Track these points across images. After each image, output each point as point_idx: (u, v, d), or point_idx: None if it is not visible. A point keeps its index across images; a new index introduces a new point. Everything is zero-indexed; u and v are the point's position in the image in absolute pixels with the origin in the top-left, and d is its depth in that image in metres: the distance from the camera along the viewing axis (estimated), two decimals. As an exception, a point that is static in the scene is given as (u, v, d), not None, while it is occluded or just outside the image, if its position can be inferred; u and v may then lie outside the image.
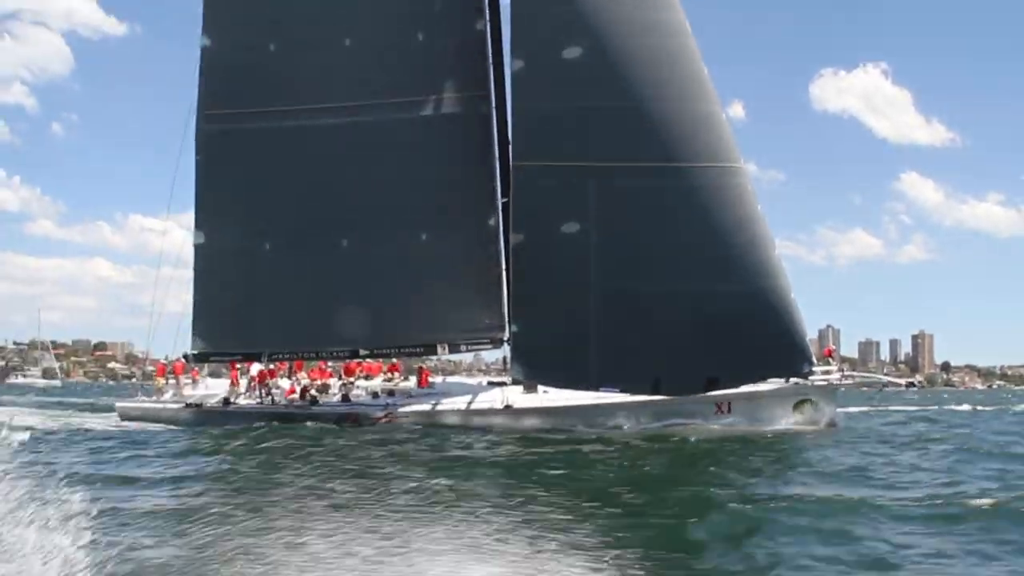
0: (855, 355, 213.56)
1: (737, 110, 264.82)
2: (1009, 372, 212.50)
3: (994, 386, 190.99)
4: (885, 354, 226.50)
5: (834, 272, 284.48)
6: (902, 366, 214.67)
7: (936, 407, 41.37)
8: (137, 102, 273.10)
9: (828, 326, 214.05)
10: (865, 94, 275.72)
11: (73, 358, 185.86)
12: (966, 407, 43.92)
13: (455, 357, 31.87)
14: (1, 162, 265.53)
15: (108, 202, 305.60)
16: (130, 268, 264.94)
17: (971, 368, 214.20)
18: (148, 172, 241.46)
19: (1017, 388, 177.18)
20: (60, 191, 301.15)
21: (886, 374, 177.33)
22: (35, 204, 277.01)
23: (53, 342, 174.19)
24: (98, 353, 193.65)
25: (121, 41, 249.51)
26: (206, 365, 29.40)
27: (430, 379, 28.23)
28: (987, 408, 42.69)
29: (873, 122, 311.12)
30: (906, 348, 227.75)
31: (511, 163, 25.05)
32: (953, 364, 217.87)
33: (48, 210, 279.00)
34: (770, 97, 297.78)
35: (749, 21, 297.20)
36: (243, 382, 28.86)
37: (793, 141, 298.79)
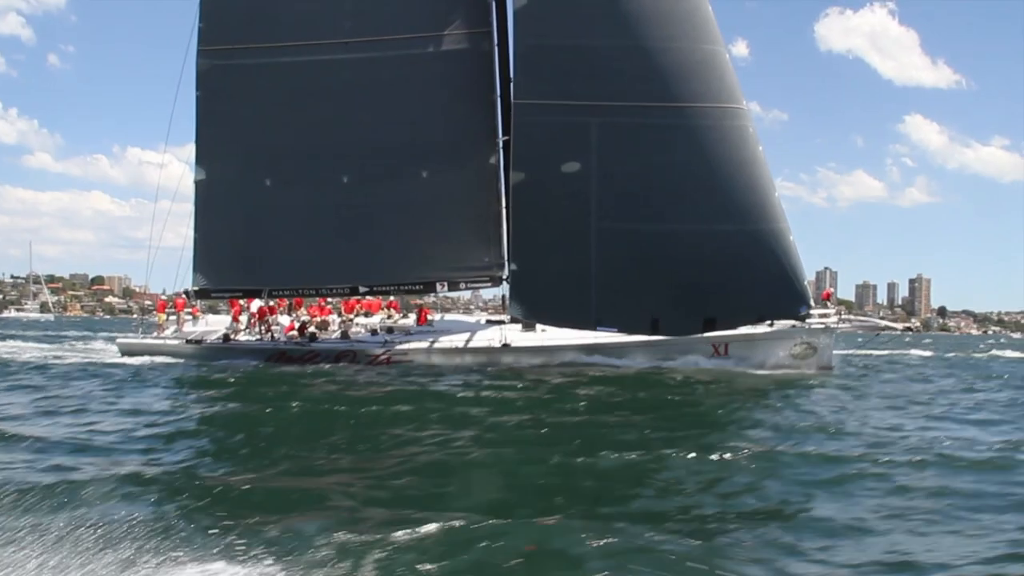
0: (852, 298, 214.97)
1: (741, 48, 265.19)
2: (1006, 318, 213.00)
3: (989, 332, 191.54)
4: (883, 297, 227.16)
5: (835, 214, 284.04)
6: (899, 310, 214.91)
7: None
8: (135, 34, 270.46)
9: (826, 268, 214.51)
10: (871, 34, 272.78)
11: (70, 292, 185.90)
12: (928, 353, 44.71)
13: (454, 294, 32.01)
14: None
15: (106, 135, 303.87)
16: (128, 201, 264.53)
17: (968, 313, 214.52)
18: (146, 105, 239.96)
19: (1014, 335, 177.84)
20: (58, 124, 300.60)
21: (882, 317, 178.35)
22: (32, 137, 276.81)
23: (50, 276, 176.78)
24: (95, 287, 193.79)
25: None
26: (206, 301, 29.49)
27: (429, 317, 28.35)
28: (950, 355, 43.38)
29: (878, 63, 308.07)
30: (903, 292, 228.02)
31: (512, 101, 24.92)
32: (950, 309, 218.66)
33: (46, 143, 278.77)
34: (775, 36, 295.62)
35: None
36: (244, 318, 28.99)
37: (797, 81, 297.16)
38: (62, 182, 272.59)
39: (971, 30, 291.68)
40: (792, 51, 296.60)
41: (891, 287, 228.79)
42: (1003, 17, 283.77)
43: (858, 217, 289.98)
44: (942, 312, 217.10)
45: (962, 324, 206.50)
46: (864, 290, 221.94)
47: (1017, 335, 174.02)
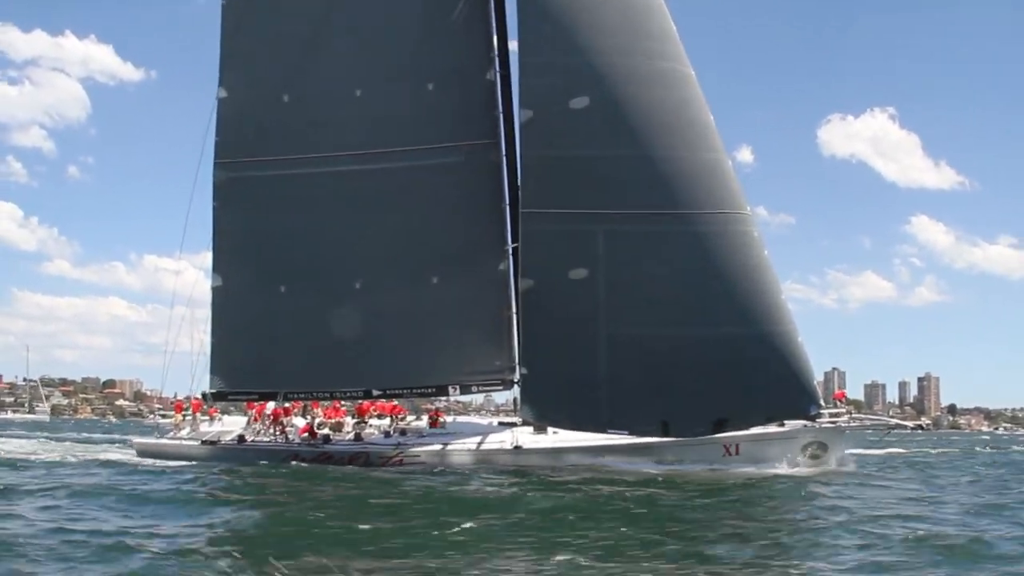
0: (861, 397, 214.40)
1: (746, 155, 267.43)
2: (1020, 415, 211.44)
3: (999, 429, 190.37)
4: (893, 396, 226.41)
5: (846, 315, 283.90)
6: (908, 408, 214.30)
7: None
8: (152, 146, 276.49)
9: (834, 369, 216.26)
10: (873, 138, 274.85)
11: (82, 395, 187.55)
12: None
13: (466, 398, 32.29)
14: (19, 203, 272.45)
15: (123, 243, 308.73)
16: (144, 307, 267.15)
17: (980, 410, 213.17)
18: (162, 214, 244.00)
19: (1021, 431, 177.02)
20: (76, 232, 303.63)
21: (891, 416, 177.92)
22: (52, 244, 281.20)
23: (63, 379, 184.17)
24: (107, 390, 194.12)
25: (137, 87, 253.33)
26: (222, 403, 29.92)
27: (441, 419, 28.60)
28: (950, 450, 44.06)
29: (882, 166, 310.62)
30: (913, 391, 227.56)
31: (520, 210, 25.52)
32: (962, 407, 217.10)
33: (64, 250, 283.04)
34: (779, 142, 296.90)
35: (759, 67, 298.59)
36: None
37: (802, 186, 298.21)
38: (79, 288, 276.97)
39: (971, 132, 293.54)
40: (796, 156, 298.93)
41: (902, 386, 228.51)
42: (1002, 119, 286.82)
43: (869, 317, 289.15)
44: (952, 410, 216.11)
45: (972, 421, 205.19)
46: (873, 389, 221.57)
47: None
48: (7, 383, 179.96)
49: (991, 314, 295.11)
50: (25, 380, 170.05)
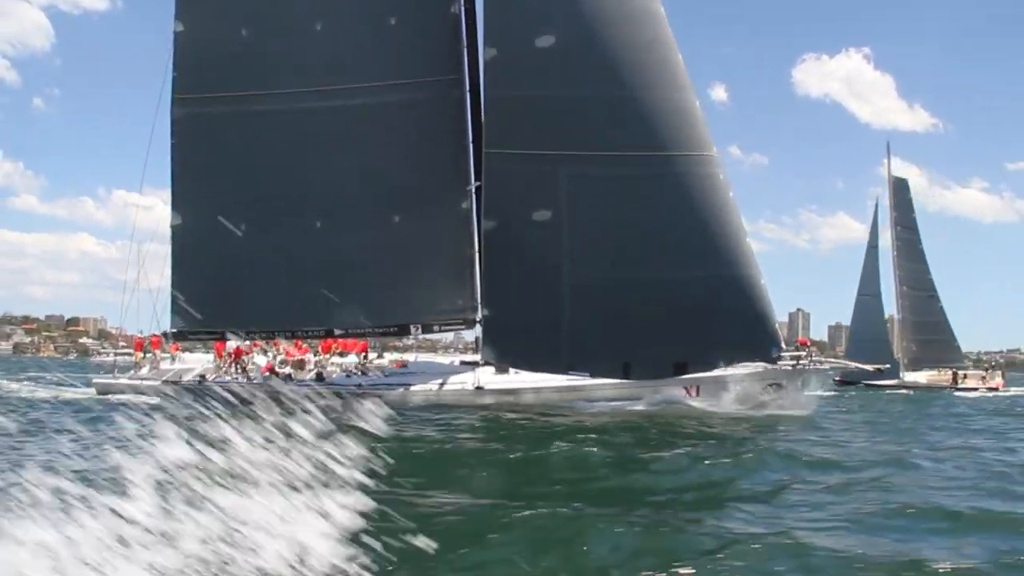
0: (825, 339, 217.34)
1: (720, 93, 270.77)
2: (984, 358, 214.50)
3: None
4: None
5: (818, 256, 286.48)
6: None
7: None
8: (119, 78, 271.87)
9: (799, 310, 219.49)
10: (847, 79, 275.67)
11: (44, 333, 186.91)
12: None
13: (434, 336, 32.21)
14: None
15: (92, 177, 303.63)
16: (114, 244, 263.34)
17: None
18: (131, 148, 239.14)
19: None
20: (43, 166, 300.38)
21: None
22: (18, 178, 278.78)
23: (25, 317, 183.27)
24: (71, 328, 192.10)
25: (102, 16, 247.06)
26: (183, 343, 29.67)
27: (404, 357, 28.56)
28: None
29: (856, 107, 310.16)
30: None
31: (483, 150, 25.17)
32: None
33: (31, 184, 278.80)
34: (753, 81, 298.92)
35: (733, 4, 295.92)
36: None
37: (776, 125, 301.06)
38: (48, 224, 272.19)
39: (945, 75, 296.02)
40: (770, 96, 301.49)
41: None
42: (976, 60, 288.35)
43: (841, 258, 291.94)
44: None
45: None
46: (836, 331, 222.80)
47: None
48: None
49: (962, 257, 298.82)
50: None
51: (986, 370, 48.92)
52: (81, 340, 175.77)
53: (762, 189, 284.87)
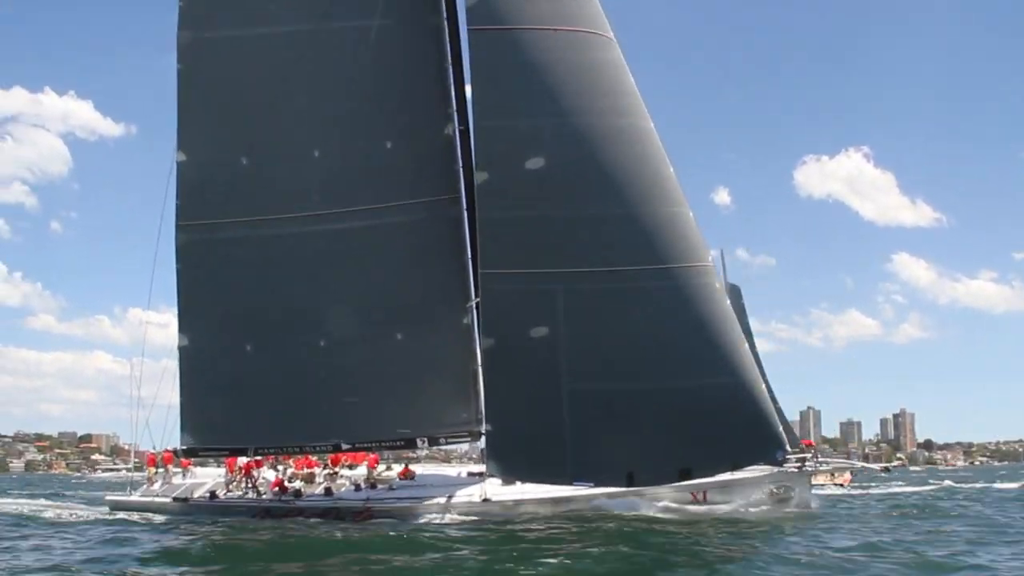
0: (837, 435, 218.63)
1: (723, 197, 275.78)
2: (1003, 447, 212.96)
3: (976, 463, 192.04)
4: (871, 434, 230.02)
5: (831, 353, 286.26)
6: (884, 446, 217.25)
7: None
8: (134, 200, 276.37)
9: (809, 408, 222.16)
10: (849, 178, 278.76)
11: (57, 450, 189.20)
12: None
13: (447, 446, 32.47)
14: (3, 259, 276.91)
15: (108, 297, 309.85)
16: (130, 360, 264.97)
17: (959, 445, 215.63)
18: (146, 268, 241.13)
19: (998, 464, 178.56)
20: (60, 286, 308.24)
21: (866, 455, 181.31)
22: (36, 299, 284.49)
23: (39, 434, 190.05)
24: (83, 445, 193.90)
25: (117, 141, 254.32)
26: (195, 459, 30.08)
27: (411, 469, 28.71)
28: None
29: (859, 205, 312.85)
30: (886, 428, 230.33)
31: (479, 271, 25.60)
32: (944, 442, 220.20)
33: (49, 305, 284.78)
34: (756, 184, 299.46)
35: (732, 110, 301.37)
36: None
37: (781, 226, 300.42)
38: (65, 343, 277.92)
39: (945, 169, 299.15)
40: (773, 198, 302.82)
41: (883, 423, 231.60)
42: (975, 154, 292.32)
43: (854, 356, 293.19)
44: (927, 446, 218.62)
45: (949, 457, 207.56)
46: (848, 427, 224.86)
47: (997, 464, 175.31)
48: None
49: (974, 349, 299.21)
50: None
51: (832, 473, 48.31)
52: (94, 457, 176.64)
53: (772, 290, 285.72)
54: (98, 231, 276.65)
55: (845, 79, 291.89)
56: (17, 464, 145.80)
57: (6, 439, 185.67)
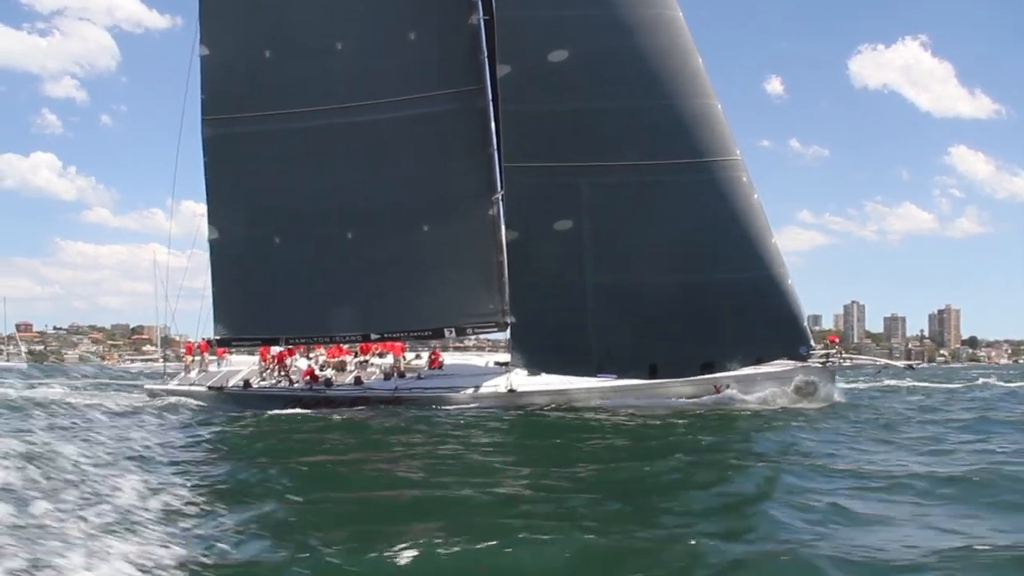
0: (881, 330, 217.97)
1: (776, 86, 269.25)
2: None
3: (1021, 360, 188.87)
4: (916, 329, 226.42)
5: (886, 247, 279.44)
6: (927, 342, 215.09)
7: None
8: (182, 92, 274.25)
9: (853, 302, 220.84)
10: (905, 68, 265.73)
11: (110, 341, 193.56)
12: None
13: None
14: (57, 153, 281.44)
15: (161, 189, 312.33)
16: (184, 253, 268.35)
17: (1010, 343, 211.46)
18: (196, 160, 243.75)
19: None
20: (114, 180, 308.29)
21: (908, 352, 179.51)
22: (90, 193, 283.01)
23: (92, 326, 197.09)
24: (135, 337, 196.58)
25: (163, 34, 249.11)
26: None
27: (440, 359, 29.18)
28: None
29: (915, 96, 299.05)
30: (934, 324, 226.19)
31: (502, 164, 25.48)
32: (991, 339, 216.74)
33: (103, 198, 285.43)
34: (809, 74, 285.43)
35: None
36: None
37: (835, 117, 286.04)
38: (121, 236, 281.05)
39: (1005, 59, 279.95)
40: (827, 88, 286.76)
41: (931, 318, 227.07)
42: None
43: (908, 250, 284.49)
44: (972, 342, 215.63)
45: (992, 354, 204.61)
46: (892, 322, 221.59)
47: None
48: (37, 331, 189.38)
49: None
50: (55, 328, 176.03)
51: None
52: (144, 348, 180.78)
53: (825, 181, 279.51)
54: (148, 123, 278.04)
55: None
56: (72, 355, 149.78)
57: (61, 331, 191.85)
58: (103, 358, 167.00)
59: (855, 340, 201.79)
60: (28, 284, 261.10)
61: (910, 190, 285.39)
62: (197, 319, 30.59)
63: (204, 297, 29.81)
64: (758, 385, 25.98)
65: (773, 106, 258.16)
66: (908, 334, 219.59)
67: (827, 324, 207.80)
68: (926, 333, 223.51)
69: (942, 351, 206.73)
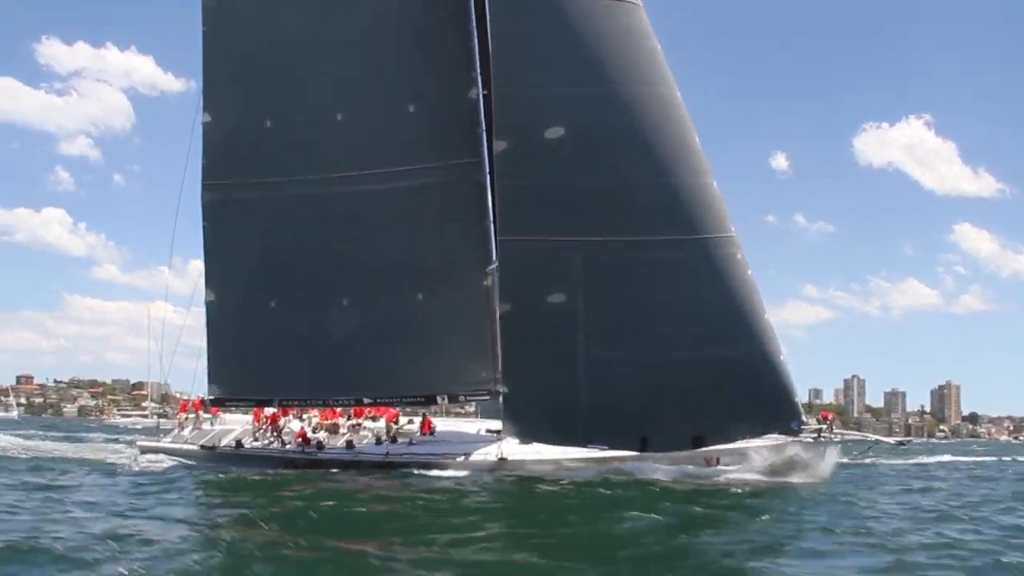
0: (881, 404, 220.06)
1: (781, 162, 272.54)
2: None
3: (1021, 437, 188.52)
4: (915, 405, 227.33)
5: (890, 323, 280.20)
6: (928, 417, 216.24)
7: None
8: (194, 154, 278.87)
9: (853, 376, 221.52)
10: (909, 146, 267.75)
11: (109, 396, 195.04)
12: None
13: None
14: (68, 210, 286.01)
15: (169, 248, 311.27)
16: (189, 311, 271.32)
17: (1011, 419, 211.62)
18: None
19: None
20: (124, 238, 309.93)
21: (908, 428, 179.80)
22: (100, 250, 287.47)
23: (92, 381, 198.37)
24: (135, 392, 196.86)
25: (178, 96, 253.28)
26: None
27: (432, 425, 29.24)
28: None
29: (919, 174, 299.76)
30: (935, 399, 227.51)
31: (497, 237, 25.77)
32: (993, 415, 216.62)
33: (112, 256, 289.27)
34: (814, 150, 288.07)
35: (791, 76, 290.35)
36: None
37: (840, 193, 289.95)
38: (129, 293, 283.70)
39: (1008, 138, 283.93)
40: (832, 165, 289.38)
41: (932, 394, 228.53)
42: None
43: (911, 326, 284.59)
44: (972, 418, 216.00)
45: (992, 430, 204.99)
46: (892, 397, 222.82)
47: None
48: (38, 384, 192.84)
49: None
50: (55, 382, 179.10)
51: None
52: (143, 404, 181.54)
53: (830, 256, 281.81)
54: (160, 184, 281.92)
55: (906, 45, 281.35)
56: (71, 408, 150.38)
57: (61, 385, 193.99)
58: (102, 412, 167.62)
59: (855, 414, 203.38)
60: (34, 337, 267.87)
61: (914, 266, 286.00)
62: (193, 376, 30.83)
63: (202, 356, 30.10)
64: (749, 459, 26.05)
65: (778, 182, 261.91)
66: (908, 409, 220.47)
67: (828, 398, 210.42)
68: (927, 408, 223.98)
69: (942, 427, 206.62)
